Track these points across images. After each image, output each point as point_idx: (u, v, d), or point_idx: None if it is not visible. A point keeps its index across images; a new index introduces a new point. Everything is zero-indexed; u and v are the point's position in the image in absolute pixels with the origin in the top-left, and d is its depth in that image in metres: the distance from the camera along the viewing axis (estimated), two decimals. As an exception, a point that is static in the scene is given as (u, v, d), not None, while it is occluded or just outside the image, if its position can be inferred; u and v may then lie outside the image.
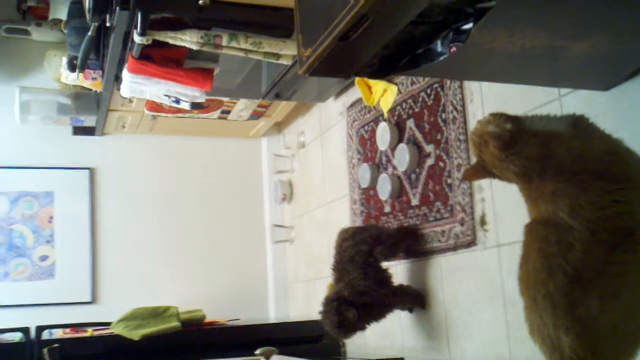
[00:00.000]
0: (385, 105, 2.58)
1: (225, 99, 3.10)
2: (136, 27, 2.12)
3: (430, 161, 2.30)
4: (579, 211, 1.18)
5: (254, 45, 2.26)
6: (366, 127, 2.79)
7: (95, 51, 2.65)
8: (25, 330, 2.94)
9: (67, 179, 3.51)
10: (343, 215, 2.98)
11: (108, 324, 2.90)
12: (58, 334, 3.01)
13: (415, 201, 2.40)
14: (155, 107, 3.04)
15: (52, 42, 3.47)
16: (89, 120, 3.38)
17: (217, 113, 3.26)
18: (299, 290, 3.56)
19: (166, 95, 2.54)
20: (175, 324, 2.84)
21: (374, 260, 2.25)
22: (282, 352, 1.90)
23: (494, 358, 1.97)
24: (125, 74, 2.40)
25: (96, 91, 3.03)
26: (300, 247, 3.53)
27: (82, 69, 2.63)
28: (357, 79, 2.69)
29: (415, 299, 2.33)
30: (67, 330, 3.04)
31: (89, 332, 2.94)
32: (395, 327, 2.52)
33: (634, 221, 1.19)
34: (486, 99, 2.03)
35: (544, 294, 1.18)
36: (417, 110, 2.40)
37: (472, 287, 2.09)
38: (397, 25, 1.24)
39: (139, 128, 3.48)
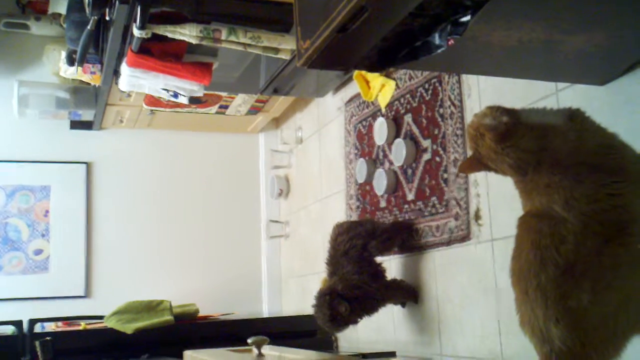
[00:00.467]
0: (383, 100, 2.59)
1: (223, 94, 3.11)
2: (135, 21, 2.13)
3: (426, 156, 2.31)
4: (573, 204, 1.19)
5: (253, 40, 2.27)
6: (364, 122, 2.80)
7: (94, 45, 2.65)
8: (17, 324, 2.93)
9: (63, 173, 3.51)
10: (339, 210, 2.99)
11: (101, 317, 2.90)
12: (51, 327, 3.00)
13: (411, 196, 2.41)
14: (153, 101, 3.04)
15: (52, 36, 3.48)
16: (87, 115, 3.38)
17: (215, 108, 3.27)
18: (293, 285, 3.56)
19: (165, 90, 2.55)
20: (168, 317, 2.84)
21: (368, 254, 2.26)
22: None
23: (486, 352, 1.98)
24: (124, 67, 2.40)
25: (95, 85, 3.03)
26: (295, 242, 3.53)
27: (81, 63, 2.63)
28: (355, 74, 2.70)
29: (408, 293, 2.34)
30: (60, 323, 3.04)
31: (82, 325, 2.94)
32: (387, 321, 2.53)
33: (627, 214, 1.20)
34: (483, 94, 2.04)
35: (536, 286, 1.18)
36: (414, 105, 2.41)
37: (465, 281, 2.10)
38: (395, 17, 1.25)
39: (137, 123, 3.49)
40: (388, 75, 2.58)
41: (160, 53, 2.35)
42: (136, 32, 2.15)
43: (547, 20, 1.28)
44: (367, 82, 2.68)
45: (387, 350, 2.33)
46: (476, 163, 1.35)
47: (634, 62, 1.50)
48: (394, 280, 2.36)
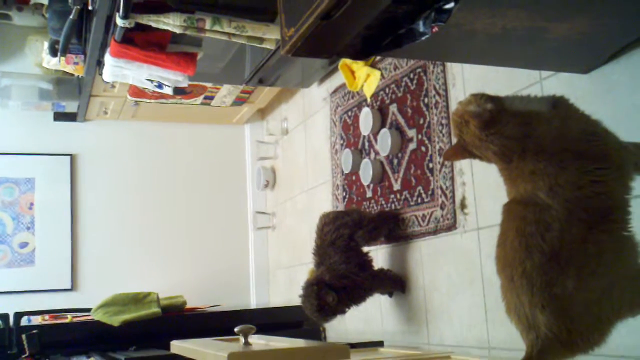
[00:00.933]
0: (369, 90, 2.58)
1: (208, 85, 3.10)
2: (118, 10, 2.11)
3: (412, 146, 2.31)
4: (557, 191, 1.19)
5: (237, 29, 2.25)
6: (349, 113, 2.79)
7: (77, 35, 2.62)
8: (3, 317, 2.91)
9: (48, 165, 3.49)
10: (325, 201, 2.98)
11: (88, 310, 2.89)
12: (37, 320, 2.99)
13: (397, 186, 2.41)
14: (138, 92, 3.02)
15: (34, 27, 3.44)
16: (71, 106, 3.36)
17: (200, 99, 3.25)
18: (280, 276, 3.56)
19: (149, 80, 2.53)
20: (155, 310, 2.84)
21: (355, 244, 2.27)
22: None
23: (473, 341, 1.99)
24: (108, 58, 2.38)
25: (78, 76, 3.01)
26: (282, 233, 3.53)
27: (63, 53, 2.60)
28: (340, 63, 2.69)
29: (395, 283, 2.35)
30: (46, 317, 3.02)
31: (69, 318, 2.92)
32: (375, 311, 2.53)
33: (611, 201, 1.20)
34: (468, 83, 2.04)
35: (521, 273, 1.19)
36: (400, 95, 2.41)
37: (451, 270, 2.11)
38: (379, 4, 1.25)
39: (121, 114, 3.47)
40: (373, 65, 2.57)
41: (143, 43, 2.33)
42: (119, 21, 2.13)
43: (530, 7, 1.28)
44: (353, 72, 2.68)
45: (375, 340, 2.33)
46: (461, 151, 1.35)
47: (616, 50, 1.50)
48: (381, 270, 2.36)
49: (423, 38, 1.29)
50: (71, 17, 2.39)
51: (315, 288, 2.14)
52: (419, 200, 2.27)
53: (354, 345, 2.14)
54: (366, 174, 2.56)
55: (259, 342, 1.71)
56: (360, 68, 2.62)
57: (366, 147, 2.65)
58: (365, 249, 2.32)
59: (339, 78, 2.84)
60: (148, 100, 3.18)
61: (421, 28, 1.30)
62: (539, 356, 1.16)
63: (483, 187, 1.96)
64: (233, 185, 3.82)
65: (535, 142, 1.24)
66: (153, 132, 3.71)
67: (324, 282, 2.16)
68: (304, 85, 3.12)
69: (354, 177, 2.72)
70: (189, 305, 3.08)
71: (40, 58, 3.08)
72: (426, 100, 2.25)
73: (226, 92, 3.22)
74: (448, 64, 2.14)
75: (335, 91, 2.92)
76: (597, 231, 1.18)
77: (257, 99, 3.41)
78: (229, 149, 3.86)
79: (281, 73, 2.83)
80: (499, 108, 1.26)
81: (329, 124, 2.98)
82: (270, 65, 2.68)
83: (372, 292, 2.30)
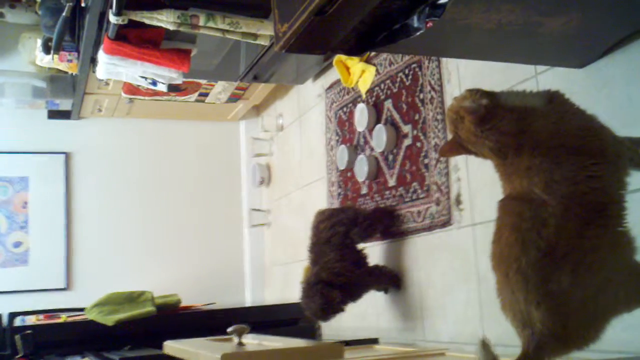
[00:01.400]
0: (364, 86, 2.58)
1: (203, 82, 3.08)
2: (112, 7, 2.09)
3: (407, 142, 2.31)
4: (553, 186, 1.19)
5: (231, 26, 2.24)
6: (344, 109, 2.78)
7: (70, 32, 2.61)
8: (-3, 317, 2.92)
9: (42, 163, 3.48)
10: (320, 197, 2.98)
11: (82, 309, 2.88)
12: (31, 320, 2.98)
13: (392, 182, 2.40)
14: (132, 89, 3.01)
15: (27, 24, 3.42)
16: (65, 104, 3.34)
17: (194, 96, 3.24)
18: (275, 274, 3.56)
19: (143, 77, 2.52)
20: (150, 308, 2.83)
21: (351, 241, 2.26)
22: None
23: (468, 337, 1.99)
24: (101, 55, 2.37)
25: (72, 74, 3.00)
26: (278, 230, 3.52)
27: (57, 51, 2.59)
28: (335, 59, 2.68)
29: (390, 279, 2.34)
30: (41, 316, 3.01)
31: (63, 318, 2.91)
32: (370, 308, 2.53)
33: (607, 196, 1.20)
34: (463, 79, 2.03)
35: (516, 269, 1.18)
36: (395, 90, 2.40)
37: (447, 266, 2.10)
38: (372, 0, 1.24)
39: (116, 112, 3.45)
40: (368, 61, 2.57)
41: (137, 40, 2.31)
42: (112, 18, 2.12)
43: (525, 2, 1.27)
44: (347, 69, 2.67)
45: (370, 337, 2.33)
46: (456, 146, 1.34)
47: (611, 45, 1.50)
48: (377, 267, 2.36)
49: (417, 33, 1.29)
50: (64, 14, 2.38)
51: (320, 287, 2.14)
52: (414, 197, 2.26)
53: (349, 343, 2.14)
54: (361, 170, 2.56)
55: (253, 342, 1.71)
56: (355, 64, 2.61)
57: (361, 143, 2.64)
58: (360, 245, 2.31)
59: (333, 74, 2.83)
60: (142, 98, 3.16)
61: (415, 23, 1.29)
62: (535, 352, 1.16)
63: (478, 183, 1.95)
64: (228, 182, 3.81)
65: (530, 137, 1.23)
66: (148, 129, 3.70)
67: (325, 280, 2.15)
68: (298, 82, 3.11)
69: (349, 174, 2.71)
70: (183, 304, 3.07)
71: (33, 55, 3.06)
72: (421, 95, 2.24)
73: (221, 89, 3.20)
74: (443, 60, 2.14)
75: (330, 87, 2.91)
76: (593, 227, 1.17)
77: (251, 96, 3.40)
78: (223, 145, 3.85)
79: (276, 69, 2.82)
80: (495, 103, 1.25)
81: (324, 120, 2.98)
82: (265, 61, 2.67)
83: (368, 289, 2.30)
